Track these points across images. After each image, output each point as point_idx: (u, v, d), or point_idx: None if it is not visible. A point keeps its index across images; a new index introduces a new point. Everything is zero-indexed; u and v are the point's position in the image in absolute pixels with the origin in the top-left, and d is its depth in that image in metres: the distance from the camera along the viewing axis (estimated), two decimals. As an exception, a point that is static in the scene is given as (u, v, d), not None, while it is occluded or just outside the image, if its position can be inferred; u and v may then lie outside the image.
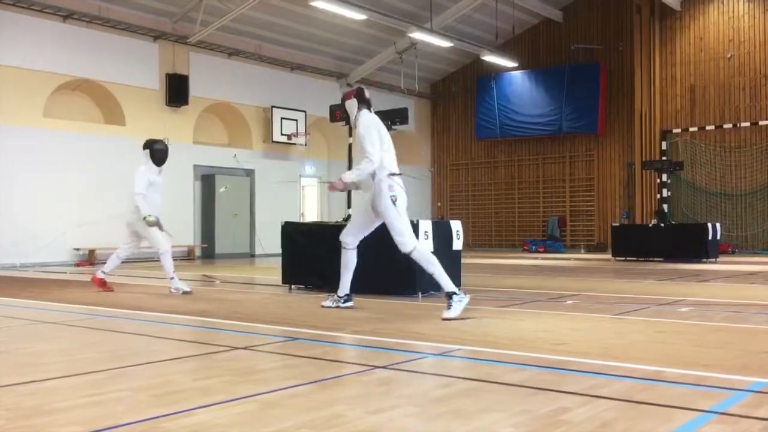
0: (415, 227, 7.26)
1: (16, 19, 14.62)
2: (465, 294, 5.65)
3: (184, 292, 7.84)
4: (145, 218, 7.93)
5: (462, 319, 5.46)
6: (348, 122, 6.47)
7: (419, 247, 5.89)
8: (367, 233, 6.32)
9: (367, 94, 6.27)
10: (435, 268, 5.74)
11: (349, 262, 6.33)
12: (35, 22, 14.90)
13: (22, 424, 2.69)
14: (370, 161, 5.84)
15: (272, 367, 3.88)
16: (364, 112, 6.14)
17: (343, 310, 6.30)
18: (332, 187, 6.29)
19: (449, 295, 5.56)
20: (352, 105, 6.21)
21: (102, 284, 8.18)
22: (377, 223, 6.19)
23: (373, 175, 5.92)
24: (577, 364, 3.77)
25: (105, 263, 8.41)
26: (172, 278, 7.91)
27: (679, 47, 20.18)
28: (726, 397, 3.06)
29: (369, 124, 6.01)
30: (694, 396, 3.09)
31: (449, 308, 5.51)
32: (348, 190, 6.78)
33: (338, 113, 8.53)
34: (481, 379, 3.50)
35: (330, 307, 6.33)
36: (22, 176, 14.56)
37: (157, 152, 8.08)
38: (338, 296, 6.35)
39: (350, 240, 6.28)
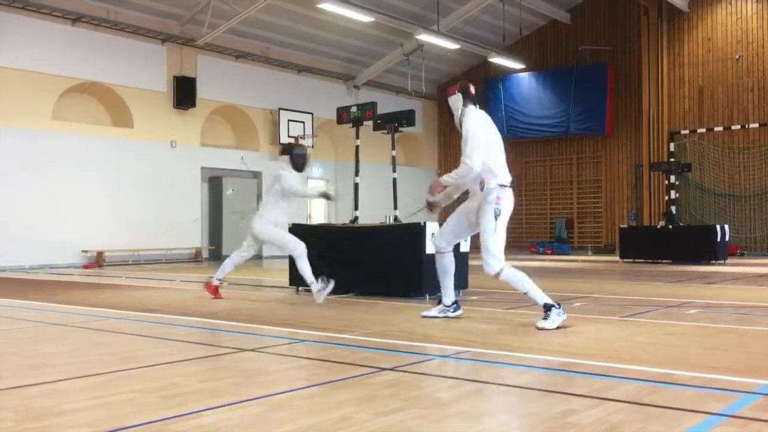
0: (423, 229, 7.28)
1: (25, 23, 14.69)
2: (564, 311, 5.18)
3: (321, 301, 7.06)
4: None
5: (563, 327, 5.08)
6: (452, 116, 5.72)
7: (507, 269, 5.31)
8: (462, 239, 5.80)
9: (472, 89, 5.68)
10: (527, 285, 5.25)
11: (447, 266, 5.77)
12: (44, 26, 14.97)
13: (30, 426, 2.70)
14: (469, 167, 5.26)
15: (279, 369, 3.88)
16: (471, 108, 5.55)
17: (348, 311, 6.29)
18: (432, 189, 5.58)
19: (547, 307, 5.13)
20: (456, 100, 5.60)
21: (215, 291, 7.64)
22: (475, 231, 5.64)
23: (482, 183, 5.33)
24: (585, 366, 3.75)
25: (217, 270, 7.86)
26: (312, 282, 7.18)
27: (687, 48, 20.10)
28: (735, 400, 3.04)
29: (477, 123, 5.42)
30: (703, 399, 3.07)
31: (546, 319, 5.08)
32: (443, 200, 5.86)
33: (345, 115, 8.54)
34: (489, 381, 3.49)
35: (436, 317, 5.74)
36: (30, 178, 14.62)
37: (298, 157, 7.51)
38: (445, 305, 5.78)
39: (444, 244, 5.74)
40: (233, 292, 8.85)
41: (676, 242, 14.43)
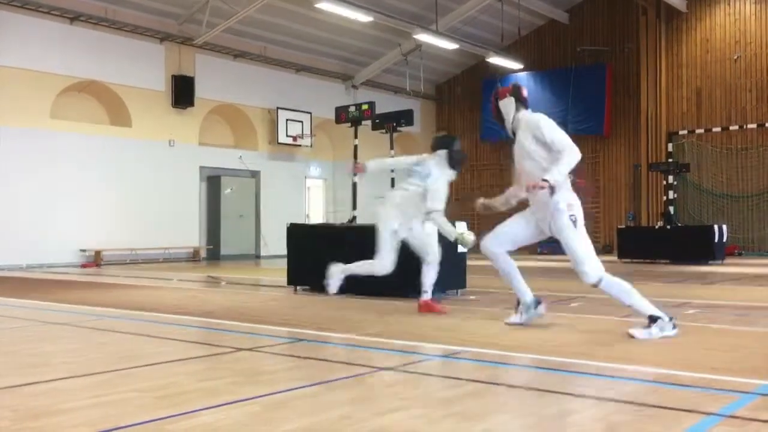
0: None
1: (23, 21, 14.67)
2: (674, 325, 4.72)
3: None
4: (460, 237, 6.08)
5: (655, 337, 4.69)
6: (499, 117, 5.21)
7: (607, 277, 4.88)
8: (516, 247, 5.22)
9: (525, 91, 5.22)
10: (633, 298, 4.82)
11: (507, 266, 5.23)
12: (42, 24, 14.95)
13: (28, 425, 2.69)
14: (575, 151, 4.78)
15: (278, 368, 3.88)
16: (530, 112, 5.12)
17: (347, 311, 6.28)
18: (533, 186, 4.80)
19: (653, 319, 4.69)
20: (508, 104, 5.13)
21: (432, 306, 6.28)
22: (537, 240, 5.25)
23: (553, 188, 4.78)
24: (584, 367, 3.75)
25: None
26: (426, 291, 6.38)
27: (686, 49, 20.12)
28: (734, 400, 3.04)
29: (555, 125, 4.94)
30: (701, 399, 3.07)
31: (646, 328, 4.67)
32: (502, 204, 5.43)
33: (343, 115, 8.54)
34: (488, 381, 3.49)
35: (522, 324, 5.22)
36: (28, 177, 14.60)
37: (456, 154, 6.23)
38: (526, 304, 5.26)
39: (496, 249, 5.20)
40: (231, 292, 8.85)
41: (674, 242, 14.44)
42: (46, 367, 3.87)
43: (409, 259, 7.32)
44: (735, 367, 3.70)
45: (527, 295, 5.26)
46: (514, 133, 5.14)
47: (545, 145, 4.90)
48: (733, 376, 3.46)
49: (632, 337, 4.64)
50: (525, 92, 5.20)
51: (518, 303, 5.30)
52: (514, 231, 5.19)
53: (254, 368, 3.83)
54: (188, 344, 4.87)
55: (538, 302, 5.26)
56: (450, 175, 6.21)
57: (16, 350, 4.49)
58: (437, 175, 6.09)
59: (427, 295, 6.31)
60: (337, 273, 6.39)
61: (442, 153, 6.19)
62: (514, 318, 5.28)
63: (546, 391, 3.27)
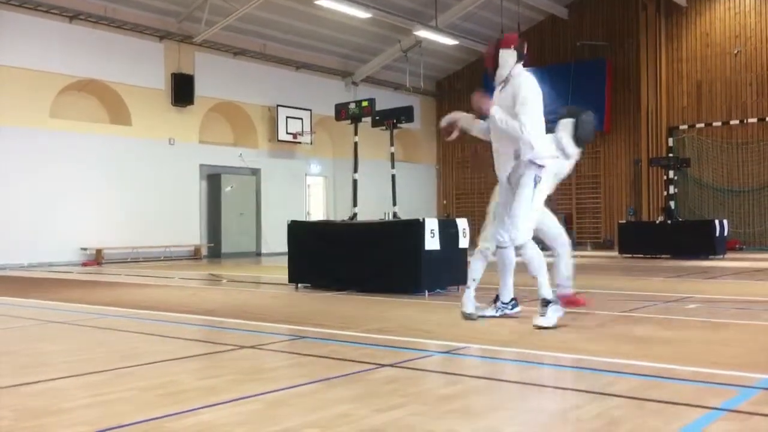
0: (422, 225, 7.27)
1: (23, 20, 14.66)
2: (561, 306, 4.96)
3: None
4: None
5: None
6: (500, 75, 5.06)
7: (531, 243, 4.96)
8: None
9: (526, 47, 5.11)
10: (542, 274, 4.96)
11: (508, 261, 5.24)
12: (42, 23, 14.94)
13: (28, 425, 2.69)
14: (519, 131, 4.84)
15: (279, 365, 3.88)
16: (524, 70, 5.05)
17: (348, 308, 6.27)
18: (480, 101, 4.94)
19: (545, 302, 4.90)
20: (509, 55, 5.02)
21: (576, 302, 5.72)
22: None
23: (516, 152, 4.93)
24: (586, 362, 3.75)
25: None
26: (565, 286, 5.71)
27: (686, 43, 20.08)
28: (735, 395, 3.04)
29: (537, 92, 4.94)
30: (702, 393, 3.07)
31: (544, 316, 4.87)
32: (465, 123, 5.32)
33: (343, 112, 8.53)
34: (489, 377, 3.49)
35: (494, 316, 5.37)
36: (29, 177, 14.60)
37: (586, 125, 5.57)
38: (503, 302, 5.43)
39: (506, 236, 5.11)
40: (233, 290, 8.85)
41: (675, 237, 14.43)
42: (46, 366, 3.86)
43: (408, 256, 7.33)
44: (737, 362, 3.70)
45: (510, 294, 5.44)
46: (505, 82, 5.07)
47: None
48: (735, 371, 3.45)
49: (540, 328, 4.80)
50: (526, 48, 5.12)
51: (497, 298, 5.49)
52: (504, 211, 5.13)
53: (255, 366, 3.83)
54: (189, 342, 4.87)
55: (516, 303, 5.49)
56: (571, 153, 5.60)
57: (16, 350, 4.49)
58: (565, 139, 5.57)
59: (567, 289, 5.71)
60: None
61: (569, 122, 5.57)
62: (490, 311, 5.45)
63: (546, 386, 3.26)
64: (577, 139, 5.58)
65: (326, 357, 4.07)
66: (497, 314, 5.42)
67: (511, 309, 5.47)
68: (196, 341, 4.97)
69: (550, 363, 3.79)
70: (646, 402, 2.91)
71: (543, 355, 3.99)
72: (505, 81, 5.07)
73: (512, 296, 5.48)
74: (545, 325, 4.85)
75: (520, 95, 4.92)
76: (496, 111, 4.94)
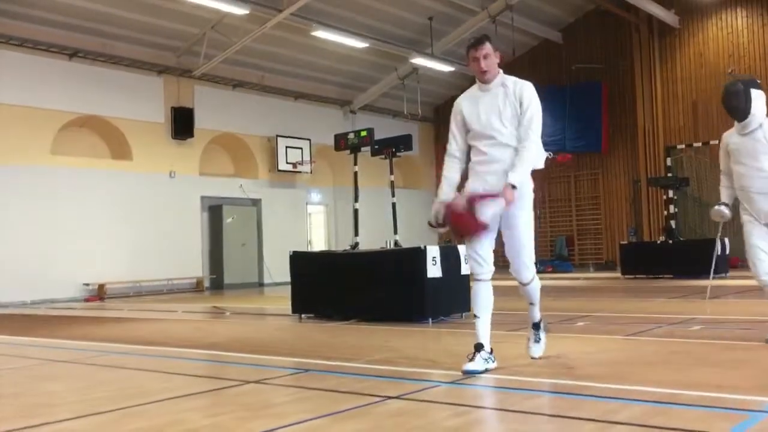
0: (423, 253, 7.28)
1: (22, 59, 14.82)
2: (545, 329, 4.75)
3: None
4: None
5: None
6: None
7: (537, 278, 4.57)
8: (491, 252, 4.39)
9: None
10: (538, 300, 4.65)
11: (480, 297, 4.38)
12: (41, 62, 15.10)
13: (36, 469, 2.68)
14: (536, 149, 4.35)
15: (285, 400, 3.87)
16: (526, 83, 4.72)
17: (352, 338, 6.25)
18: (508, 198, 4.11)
19: (536, 326, 4.68)
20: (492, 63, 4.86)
21: None
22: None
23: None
24: (591, 389, 3.74)
25: None
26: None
27: (680, 64, 20.25)
28: (743, 419, 3.03)
29: (539, 103, 4.63)
30: (710, 418, 3.06)
31: (536, 343, 4.68)
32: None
33: (342, 142, 8.59)
34: (495, 407, 3.48)
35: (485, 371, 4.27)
36: (30, 214, 14.65)
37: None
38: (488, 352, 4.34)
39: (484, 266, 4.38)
40: (237, 323, 8.83)
41: (676, 257, 14.41)
42: (52, 407, 3.86)
43: (411, 285, 7.33)
44: (744, 385, 3.68)
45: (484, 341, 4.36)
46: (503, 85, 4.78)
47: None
48: (742, 394, 3.44)
49: (535, 358, 4.60)
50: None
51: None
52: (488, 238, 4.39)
53: (261, 401, 3.82)
54: (194, 378, 4.86)
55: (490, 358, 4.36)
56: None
57: (21, 391, 4.48)
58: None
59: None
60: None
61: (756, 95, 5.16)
62: (477, 364, 4.28)
63: (554, 415, 3.26)
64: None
65: (332, 390, 4.06)
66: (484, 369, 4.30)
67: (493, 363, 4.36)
68: (201, 377, 4.96)
69: (555, 391, 3.78)
70: (653, 429, 2.91)
71: (548, 383, 3.97)
72: (495, 84, 4.85)
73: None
74: (542, 350, 4.66)
75: (525, 105, 4.63)
76: (517, 175, 4.19)
